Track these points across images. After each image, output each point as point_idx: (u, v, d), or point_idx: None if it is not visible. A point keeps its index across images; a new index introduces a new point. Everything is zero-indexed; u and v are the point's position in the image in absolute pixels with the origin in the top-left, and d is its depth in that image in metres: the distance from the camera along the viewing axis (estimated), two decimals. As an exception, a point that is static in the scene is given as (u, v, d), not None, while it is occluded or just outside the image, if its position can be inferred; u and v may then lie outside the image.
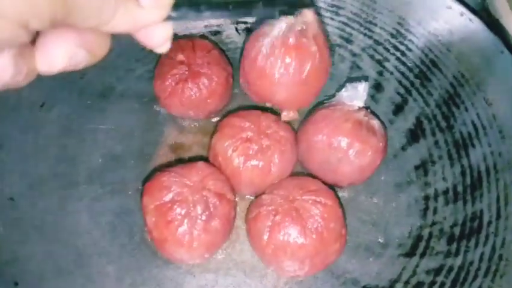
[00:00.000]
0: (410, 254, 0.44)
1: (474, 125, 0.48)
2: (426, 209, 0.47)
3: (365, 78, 0.51)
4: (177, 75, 0.48)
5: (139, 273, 0.42)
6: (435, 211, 0.46)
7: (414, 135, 0.52)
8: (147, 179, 0.43)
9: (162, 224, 0.39)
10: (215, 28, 0.57)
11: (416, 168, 0.50)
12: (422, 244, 0.44)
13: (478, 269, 0.39)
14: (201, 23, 0.57)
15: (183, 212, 0.39)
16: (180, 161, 0.49)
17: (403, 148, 0.51)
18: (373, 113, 0.48)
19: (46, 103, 0.48)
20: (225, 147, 0.44)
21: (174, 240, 0.39)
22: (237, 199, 0.45)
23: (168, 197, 0.40)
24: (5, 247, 0.37)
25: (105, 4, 0.21)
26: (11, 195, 0.40)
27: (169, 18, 0.25)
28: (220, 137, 0.45)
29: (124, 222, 0.45)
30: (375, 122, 0.46)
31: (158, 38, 0.26)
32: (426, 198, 0.47)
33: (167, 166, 0.44)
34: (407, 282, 0.42)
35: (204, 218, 0.39)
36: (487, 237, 0.41)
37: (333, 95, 0.48)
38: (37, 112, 0.47)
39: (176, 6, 0.25)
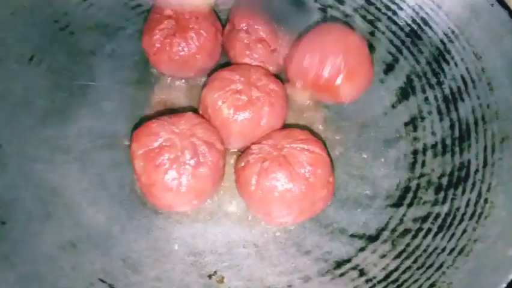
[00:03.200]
0: (397, 205, 0.44)
1: (463, 79, 0.48)
2: (414, 162, 0.47)
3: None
4: (165, 30, 0.48)
5: (128, 221, 0.43)
6: (423, 164, 0.46)
7: (405, 93, 0.52)
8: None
9: (150, 168, 0.39)
10: (206, -12, 0.57)
11: (406, 124, 0.50)
12: (410, 195, 0.44)
13: (464, 213, 0.40)
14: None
15: (171, 157, 0.39)
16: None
17: (393, 106, 0.52)
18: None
19: (35, 57, 0.48)
20: (214, 98, 0.44)
21: (162, 185, 0.39)
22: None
23: (157, 142, 0.40)
24: (-8, 189, 0.37)
25: None
26: (-1, 141, 0.40)
27: None
28: (209, 89, 0.45)
29: (113, 175, 0.45)
30: None
31: None
32: (415, 152, 0.48)
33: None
34: (393, 230, 0.42)
35: (192, 163, 0.40)
36: (473, 184, 0.41)
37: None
38: (26, 65, 0.47)
39: None
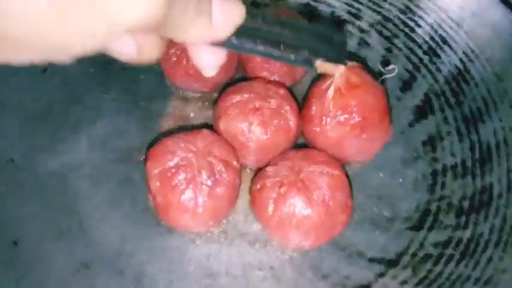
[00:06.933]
0: (417, 228, 0.43)
1: (484, 101, 0.48)
2: (434, 184, 0.46)
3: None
4: (181, 44, 0.47)
5: (140, 241, 0.41)
6: (443, 186, 0.45)
7: (422, 111, 0.51)
8: (151, 146, 0.42)
9: (167, 188, 0.38)
10: (221, 1, 0.56)
11: (424, 144, 0.49)
12: (430, 218, 0.43)
13: (489, 240, 0.38)
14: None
15: (188, 176, 0.38)
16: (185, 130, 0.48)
17: (410, 124, 0.50)
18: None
19: (48, 69, 0.47)
20: (240, 126, 0.43)
21: (179, 206, 0.38)
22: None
23: (173, 161, 0.39)
24: (5, 207, 0.36)
25: (192, 19, 0.22)
26: (11, 156, 0.39)
27: (227, 44, 0.26)
28: (229, 119, 0.43)
29: (126, 191, 0.44)
30: None
31: (208, 61, 0.27)
32: (434, 173, 0.47)
33: (171, 134, 0.43)
34: (414, 255, 0.41)
35: (209, 183, 0.39)
36: (497, 209, 0.40)
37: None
38: (39, 77, 0.46)
39: (237, 34, 0.26)
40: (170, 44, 0.47)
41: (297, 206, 0.38)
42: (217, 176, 0.39)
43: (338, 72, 0.39)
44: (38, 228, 0.38)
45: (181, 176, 0.38)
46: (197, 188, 0.38)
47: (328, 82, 0.42)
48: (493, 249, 0.37)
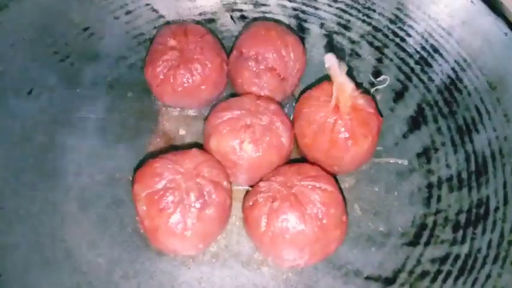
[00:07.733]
0: (413, 243, 0.42)
1: (478, 110, 0.47)
2: (429, 197, 0.45)
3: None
4: (169, 61, 0.47)
5: (130, 265, 0.40)
6: (439, 199, 0.44)
7: (416, 122, 0.50)
8: (139, 168, 0.41)
9: (154, 212, 0.37)
10: (209, 16, 0.56)
11: (418, 155, 0.48)
12: (426, 233, 0.42)
13: (487, 256, 0.37)
14: (195, 10, 0.55)
15: (176, 199, 0.37)
16: (174, 150, 0.47)
17: (404, 136, 0.50)
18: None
19: (34, 90, 0.46)
20: (231, 144, 0.42)
21: (166, 229, 0.37)
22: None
23: (160, 184, 0.38)
24: (-14, 237, 0.35)
25: None
26: (-6, 183, 0.38)
27: None
28: (220, 137, 0.42)
29: (115, 214, 0.43)
30: None
31: None
32: (430, 186, 0.46)
33: (160, 154, 0.42)
34: (411, 272, 0.40)
35: (197, 206, 0.38)
36: (494, 223, 0.39)
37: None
38: (24, 99, 0.45)
39: None
40: (156, 62, 0.47)
41: (291, 221, 0.37)
42: (206, 198, 0.38)
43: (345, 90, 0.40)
44: (23, 258, 0.37)
45: (169, 198, 0.37)
46: (185, 210, 0.37)
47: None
48: (491, 266, 0.36)
